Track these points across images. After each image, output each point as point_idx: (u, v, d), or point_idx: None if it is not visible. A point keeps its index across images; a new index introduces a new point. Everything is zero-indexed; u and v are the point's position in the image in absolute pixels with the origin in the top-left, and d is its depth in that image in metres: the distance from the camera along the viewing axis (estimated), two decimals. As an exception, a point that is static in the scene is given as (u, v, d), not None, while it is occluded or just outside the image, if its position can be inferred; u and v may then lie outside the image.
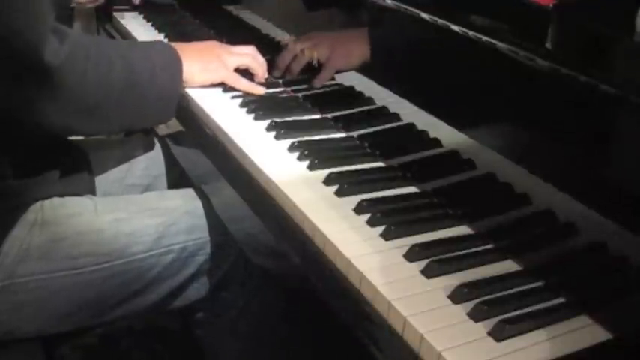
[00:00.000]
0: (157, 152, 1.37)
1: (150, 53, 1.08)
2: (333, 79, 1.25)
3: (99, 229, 1.05)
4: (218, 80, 1.17)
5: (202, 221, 1.12)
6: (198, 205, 1.13)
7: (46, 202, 1.05)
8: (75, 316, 1.05)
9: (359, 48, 1.18)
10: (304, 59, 1.25)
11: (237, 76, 1.19)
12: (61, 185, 1.08)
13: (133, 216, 1.08)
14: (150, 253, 1.07)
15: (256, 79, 1.22)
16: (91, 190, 1.15)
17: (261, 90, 1.19)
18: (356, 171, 0.95)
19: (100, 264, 1.03)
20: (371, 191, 0.89)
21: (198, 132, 1.14)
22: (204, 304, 1.15)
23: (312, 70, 1.26)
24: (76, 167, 1.13)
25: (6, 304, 1.00)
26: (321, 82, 1.24)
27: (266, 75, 1.24)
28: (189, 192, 1.17)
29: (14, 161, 1.03)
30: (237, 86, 1.18)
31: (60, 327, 1.05)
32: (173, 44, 1.14)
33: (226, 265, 1.13)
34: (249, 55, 1.22)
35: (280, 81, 1.27)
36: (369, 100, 1.17)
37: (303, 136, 1.04)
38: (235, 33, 1.53)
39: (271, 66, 1.28)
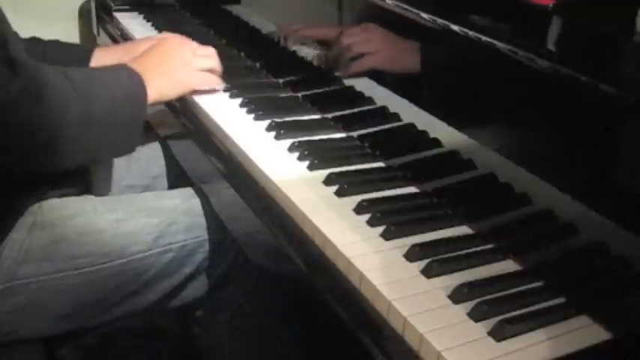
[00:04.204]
0: (157, 152, 1.37)
1: (112, 84, 1.02)
2: (333, 77, 1.25)
3: (98, 230, 1.05)
4: (188, 92, 1.15)
5: (201, 220, 1.12)
6: (197, 204, 1.13)
7: (45, 204, 1.05)
8: (75, 316, 1.05)
9: (407, 57, 1.09)
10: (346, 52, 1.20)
11: (202, 79, 1.16)
12: (60, 186, 1.08)
13: (132, 216, 1.08)
14: (149, 252, 1.07)
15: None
16: (90, 191, 1.15)
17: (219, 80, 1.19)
18: (356, 171, 0.95)
19: (100, 264, 1.03)
20: (371, 191, 0.89)
21: (197, 132, 1.14)
22: (202, 303, 1.15)
23: (312, 70, 1.26)
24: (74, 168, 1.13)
25: (7, 305, 1.00)
26: (349, 72, 1.19)
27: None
28: (188, 191, 1.17)
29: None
30: (205, 88, 1.17)
31: (60, 327, 1.05)
32: (135, 63, 1.08)
33: (225, 264, 1.13)
34: (211, 57, 1.19)
35: (280, 81, 1.27)
36: (369, 100, 1.17)
37: (303, 136, 1.04)
38: (235, 33, 1.53)
39: (270, 66, 1.27)
